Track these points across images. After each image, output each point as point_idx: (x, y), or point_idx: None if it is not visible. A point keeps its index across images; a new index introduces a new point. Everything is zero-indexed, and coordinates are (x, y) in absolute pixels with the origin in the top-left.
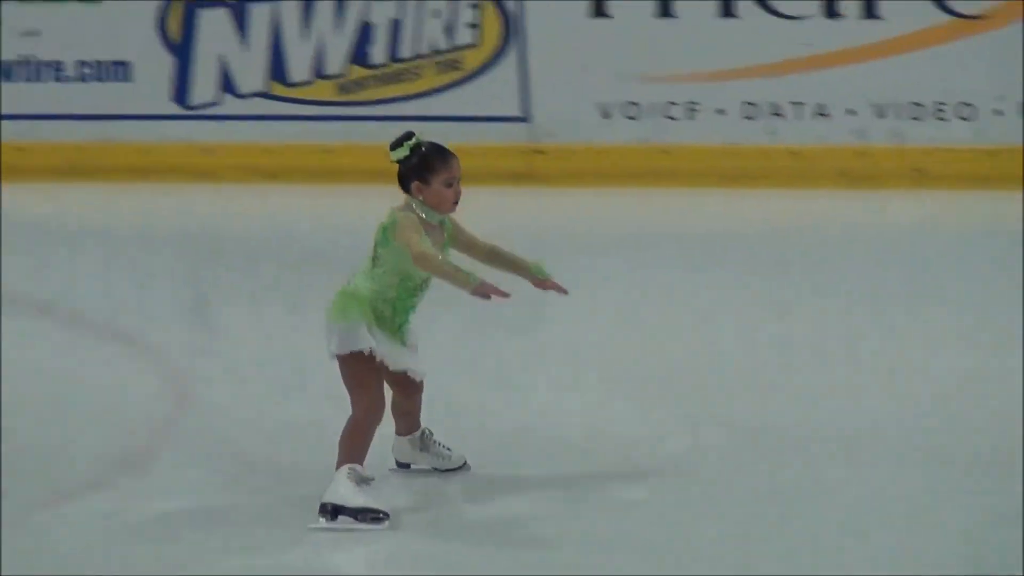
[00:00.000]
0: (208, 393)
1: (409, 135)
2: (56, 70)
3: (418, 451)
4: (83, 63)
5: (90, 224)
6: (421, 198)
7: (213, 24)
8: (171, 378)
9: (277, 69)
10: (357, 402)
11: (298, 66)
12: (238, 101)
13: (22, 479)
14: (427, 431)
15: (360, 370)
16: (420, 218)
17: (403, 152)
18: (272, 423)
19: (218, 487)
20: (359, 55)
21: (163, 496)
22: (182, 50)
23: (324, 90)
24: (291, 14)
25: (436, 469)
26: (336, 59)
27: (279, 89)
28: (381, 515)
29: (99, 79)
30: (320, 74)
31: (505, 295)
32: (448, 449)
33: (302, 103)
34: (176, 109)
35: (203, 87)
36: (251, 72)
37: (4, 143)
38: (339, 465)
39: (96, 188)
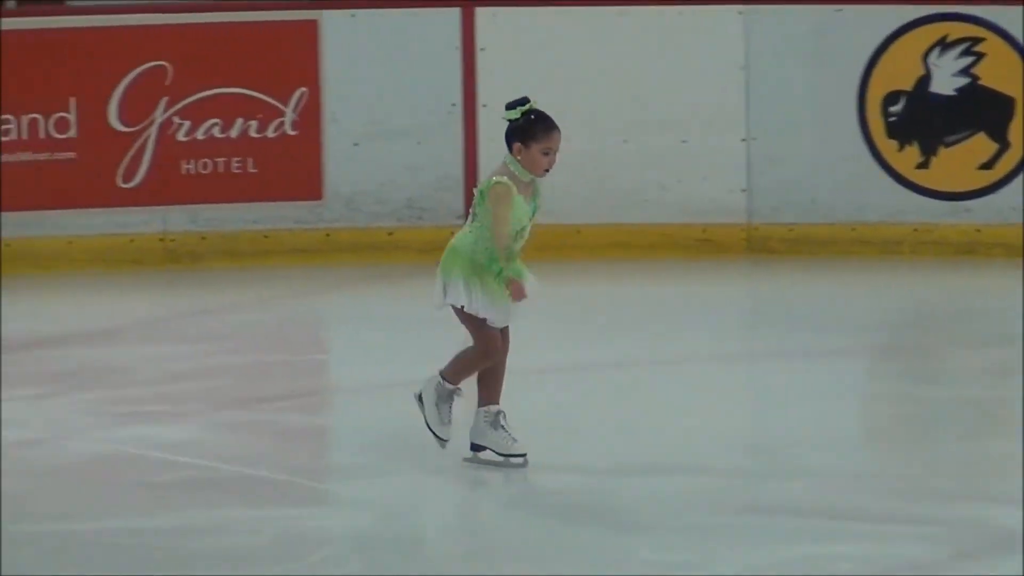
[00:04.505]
0: None
1: (525, 100)
2: None
3: (489, 429)
4: None
5: None
6: (519, 158)
7: None
8: None
9: None
10: (478, 339)
11: None
12: None
13: None
14: (502, 411)
15: (468, 317)
16: (514, 176)
17: (515, 114)
18: None
19: None
20: None
21: None
22: None
23: None
24: None
25: (498, 454)
26: None
27: None
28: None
29: None
30: None
31: (520, 297)
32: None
33: None
34: None
35: None
36: None
37: None
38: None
39: None
